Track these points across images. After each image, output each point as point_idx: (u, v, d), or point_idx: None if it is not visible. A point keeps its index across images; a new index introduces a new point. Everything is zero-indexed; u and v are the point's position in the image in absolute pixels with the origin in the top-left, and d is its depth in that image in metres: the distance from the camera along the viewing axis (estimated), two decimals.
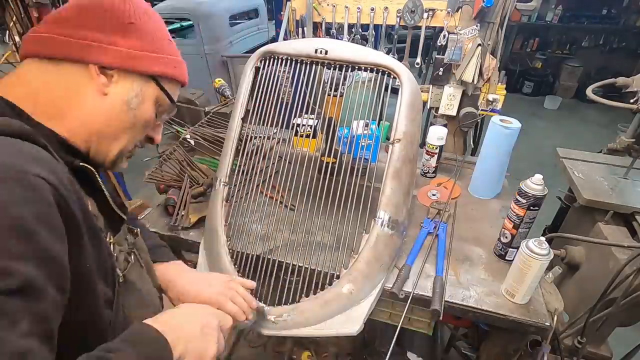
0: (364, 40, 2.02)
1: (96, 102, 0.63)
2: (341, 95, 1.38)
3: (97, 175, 0.64)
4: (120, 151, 0.70)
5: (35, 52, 0.62)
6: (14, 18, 2.29)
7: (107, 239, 0.68)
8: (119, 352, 0.52)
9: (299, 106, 1.15)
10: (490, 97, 1.82)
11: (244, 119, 1.21)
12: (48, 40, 0.61)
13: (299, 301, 1.02)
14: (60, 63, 0.62)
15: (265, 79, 1.19)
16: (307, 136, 1.59)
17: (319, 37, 2.05)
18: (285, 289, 1.04)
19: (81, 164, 0.62)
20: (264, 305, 1.03)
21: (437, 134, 1.53)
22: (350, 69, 1.13)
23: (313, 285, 1.04)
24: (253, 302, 0.92)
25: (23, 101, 0.59)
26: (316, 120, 1.61)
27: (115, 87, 0.65)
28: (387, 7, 1.86)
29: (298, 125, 1.57)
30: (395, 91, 1.11)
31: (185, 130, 1.66)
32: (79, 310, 0.56)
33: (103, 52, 0.62)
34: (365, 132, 1.51)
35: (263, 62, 1.21)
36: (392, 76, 1.12)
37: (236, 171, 1.19)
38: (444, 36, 1.78)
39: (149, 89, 0.69)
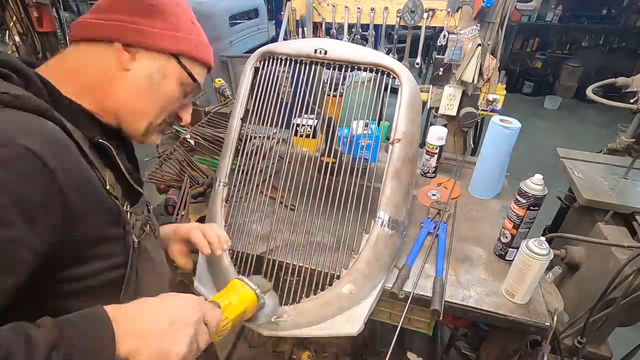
0: (364, 40, 2.02)
1: (121, 77, 0.69)
2: (341, 95, 1.38)
3: (113, 151, 0.68)
4: (148, 125, 0.74)
5: (75, 36, 0.69)
6: (14, 18, 2.29)
7: (124, 208, 0.70)
8: (43, 327, 0.48)
9: (299, 106, 1.15)
10: (490, 97, 1.82)
11: (243, 119, 1.21)
12: (83, 24, 0.68)
13: (299, 301, 1.02)
14: (92, 44, 0.68)
15: (265, 79, 1.19)
16: (307, 136, 1.59)
17: (319, 37, 2.05)
18: (286, 289, 1.04)
19: (100, 140, 0.66)
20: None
21: (437, 134, 1.53)
22: (349, 69, 1.13)
23: (313, 285, 1.04)
24: (223, 237, 0.91)
25: (59, 79, 0.64)
26: (316, 120, 1.61)
27: (138, 63, 0.69)
28: (387, 7, 1.86)
29: (298, 125, 1.57)
30: (395, 91, 1.11)
31: (185, 130, 1.66)
32: (79, 269, 0.60)
33: (125, 30, 0.67)
34: (365, 132, 1.51)
35: (262, 62, 1.21)
36: (391, 76, 1.12)
37: (236, 171, 1.18)
38: (444, 36, 1.78)
39: (170, 67, 0.72)
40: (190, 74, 0.74)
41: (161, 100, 0.73)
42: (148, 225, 0.79)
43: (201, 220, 1.28)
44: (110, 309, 0.55)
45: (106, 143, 0.67)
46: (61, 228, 0.55)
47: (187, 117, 0.82)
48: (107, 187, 0.65)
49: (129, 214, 0.71)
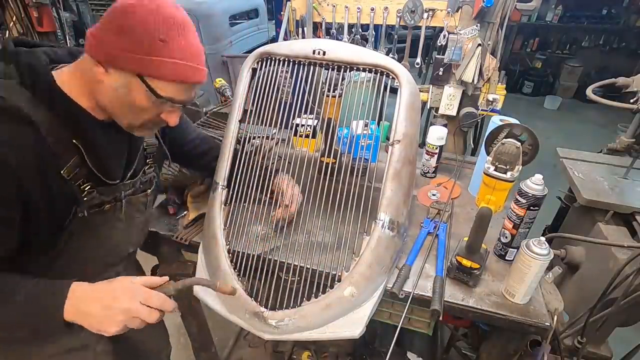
0: (364, 40, 2.03)
1: (100, 85, 0.79)
2: (340, 96, 1.37)
3: (82, 150, 0.83)
4: (128, 125, 0.86)
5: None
6: (14, 18, 2.30)
7: (84, 187, 0.86)
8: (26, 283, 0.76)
9: (298, 107, 1.15)
10: (490, 97, 1.82)
11: (241, 121, 1.20)
12: (87, 37, 0.78)
13: (300, 305, 1.01)
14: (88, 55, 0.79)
15: (263, 80, 1.18)
16: (307, 136, 1.59)
17: (319, 37, 2.05)
18: (287, 290, 1.03)
19: (73, 140, 0.81)
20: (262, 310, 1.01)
21: (437, 134, 1.53)
22: (348, 70, 1.13)
23: (314, 286, 1.03)
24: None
25: (68, 79, 0.81)
26: (316, 120, 1.61)
27: (108, 77, 0.78)
28: (387, 7, 1.86)
29: (298, 125, 1.57)
30: (395, 90, 1.11)
31: None
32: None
33: (99, 49, 0.76)
34: (365, 132, 1.50)
35: (260, 63, 1.20)
36: (390, 77, 1.11)
37: (235, 172, 1.18)
38: (444, 36, 1.78)
39: (135, 83, 0.78)
40: (153, 91, 0.79)
41: (130, 107, 0.82)
42: (116, 206, 0.94)
43: (201, 217, 1.28)
44: (74, 286, 0.76)
45: (78, 144, 0.82)
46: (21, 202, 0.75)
47: (171, 120, 0.89)
48: (63, 172, 0.80)
49: (85, 191, 0.86)
